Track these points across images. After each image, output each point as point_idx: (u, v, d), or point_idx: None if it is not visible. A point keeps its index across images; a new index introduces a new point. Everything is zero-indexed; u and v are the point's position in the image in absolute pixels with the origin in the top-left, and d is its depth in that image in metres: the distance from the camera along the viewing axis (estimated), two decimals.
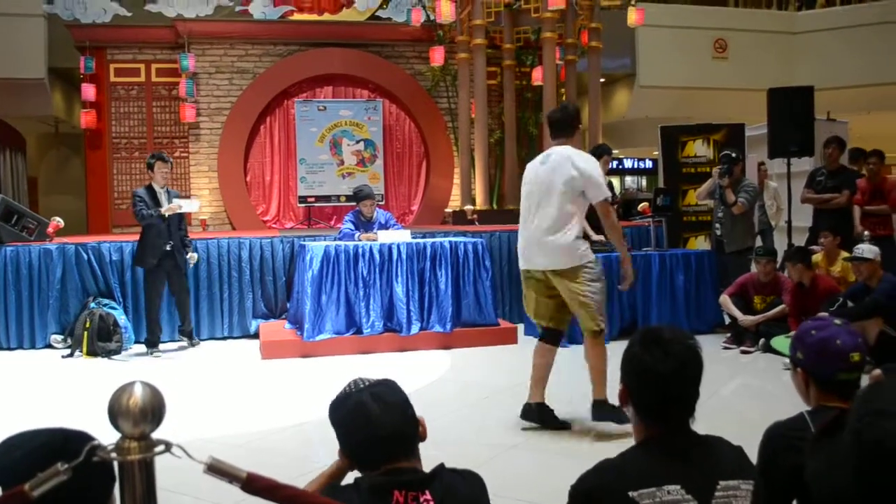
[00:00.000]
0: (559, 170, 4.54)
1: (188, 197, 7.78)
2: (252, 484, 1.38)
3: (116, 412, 1.34)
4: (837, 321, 2.11)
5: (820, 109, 8.61)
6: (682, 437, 1.82)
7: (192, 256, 7.55)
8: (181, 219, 7.52)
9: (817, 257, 7.23)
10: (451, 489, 1.76)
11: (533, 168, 4.76)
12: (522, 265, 4.78)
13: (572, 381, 6.05)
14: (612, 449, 1.91)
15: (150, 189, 7.37)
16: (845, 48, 13.40)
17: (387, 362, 6.65)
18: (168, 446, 1.38)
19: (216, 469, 1.38)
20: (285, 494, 1.40)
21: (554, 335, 4.78)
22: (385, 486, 1.72)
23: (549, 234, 4.55)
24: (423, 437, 1.88)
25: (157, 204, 7.27)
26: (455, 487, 1.77)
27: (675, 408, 1.81)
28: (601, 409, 4.58)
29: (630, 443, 1.90)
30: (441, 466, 1.81)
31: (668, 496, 1.68)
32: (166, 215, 7.25)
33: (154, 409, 1.36)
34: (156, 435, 1.37)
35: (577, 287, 4.52)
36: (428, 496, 1.72)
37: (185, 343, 7.63)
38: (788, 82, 9.05)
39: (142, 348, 7.56)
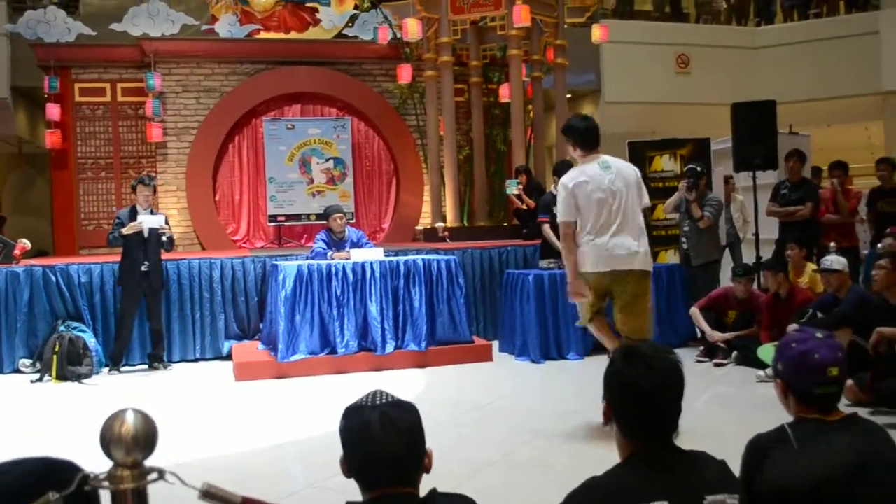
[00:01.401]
0: (629, 179, 4.87)
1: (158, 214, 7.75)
2: None
3: (109, 440, 1.33)
4: (819, 334, 2.13)
5: (781, 123, 8.77)
6: (666, 453, 1.83)
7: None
8: (159, 240, 7.47)
9: None
10: None
11: (597, 175, 4.81)
12: (605, 267, 4.81)
13: (558, 395, 6.10)
14: (591, 463, 1.92)
15: (132, 210, 7.46)
16: (804, 62, 13.67)
17: (362, 382, 6.62)
18: (161, 474, 1.37)
19: (211, 495, 1.37)
20: None
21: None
22: None
23: (639, 240, 4.87)
24: (427, 469, 1.82)
25: None
26: None
27: (660, 423, 1.82)
28: None
29: (612, 455, 1.91)
30: (434, 491, 1.78)
31: None
32: (131, 233, 7.28)
33: (147, 437, 1.35)
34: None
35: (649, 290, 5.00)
36: None
37: (156, 366, 7.54)
38: (750, 96, 9.18)
39: (113, 372, 7.47)
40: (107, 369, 7.47)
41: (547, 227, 8.03)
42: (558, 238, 7.77)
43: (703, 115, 12.88)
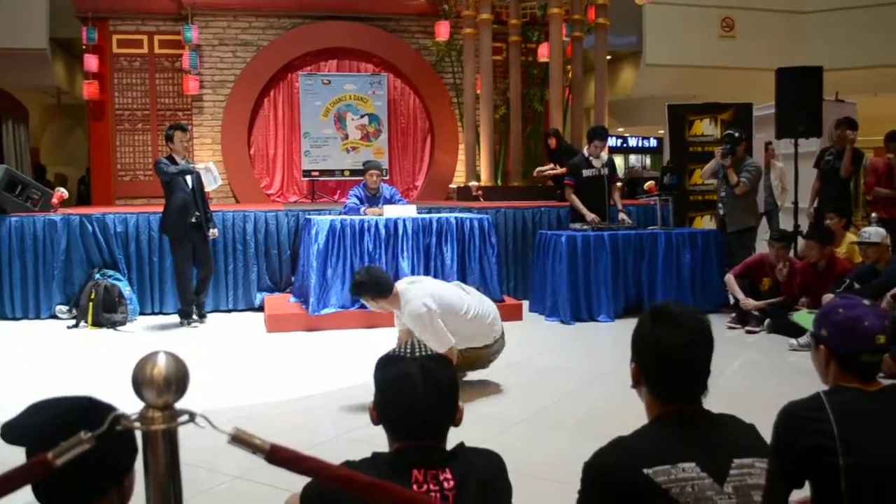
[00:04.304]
0: None
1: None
2: (276, 455, 1.37)
3: (141, 381, 1.33)
4: (866, 301, 2.09)
5: (827, 90, 8.55)
6: (696, 415, 1.80)
7: (212, 232, 7.46)
8: (204, 193, 7.46)
9: None
10: (471, 468, 1.72)
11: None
12: None
13: (587, 356, 6.09)
14: (619, 424, 1.90)
15: (171, 158, 7.26)
16: (854, 28, 13.31)
17: (392, 337, 6.63)
18: (192, 416, 1.37)
19: (240, 440, 1.37)
20: (308, 466, 1.39)
21: None
22: (404, 464, 1.69)
23: None
24: (457, 423, 1.81)
25: None
26: (475, 467, 1.73)
27: (689, 381, 1.80)
28: None
29: (641, 417, 1.88)
30: (461, 445, 1.78)
31: (683, 474, 1.67)
32: (194, 168, 7.29)
33: (178, 379, 1.35)
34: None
35: None
36: (448, 475, 1.68)
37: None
38: (795, 62, 8.95)
39: (147, 320, 7.58)
40: (149, 319, 7.56)
41: (570, 191, 7.99)
42: (584, 204, 7.82)
43: (746, 80, 12.63)
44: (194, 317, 7.43)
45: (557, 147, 9.84)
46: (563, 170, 9.40)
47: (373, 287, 4.58)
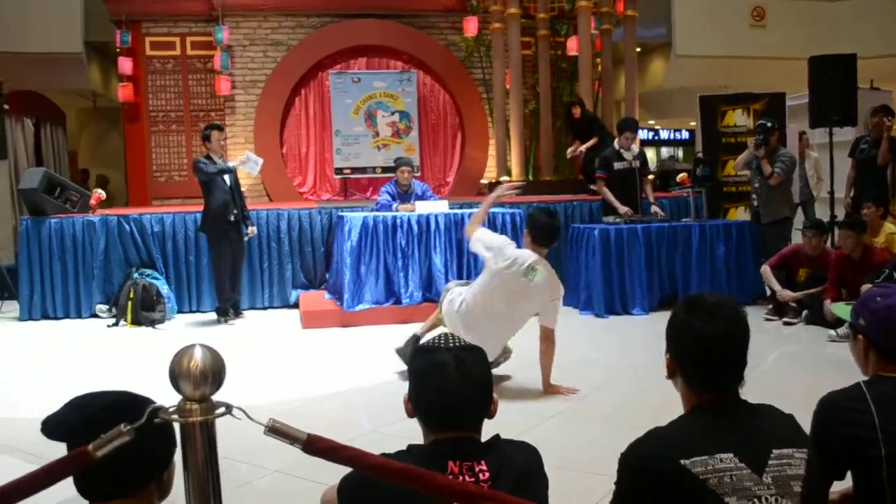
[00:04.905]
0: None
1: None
2: (313, 445, 1.40)
3: (178, 374, 1.36)
4: None
5: (862, 78, 8.40)
6: (733, 405, 1.78)
7: (251, 230, 7.56)
8: (241, 191, 7.57)
9: None
10: (507, 460, 1.72)
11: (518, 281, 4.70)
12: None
13: (622, 349, 6.06)
14: (655, 416, 1.89)
15: (209, 158, 7.34)
16: (887, 15, 13.04)
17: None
18: (229, 408, 1.40)
19: (277, 431, 1.39)
20: (346, 455, 1.41)
21: None
22: (440, 456, 1.69)
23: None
24: (491, 416, 1.81)
25: None
26: (511, 459, 1.73)
27: (724, 371, 1.78)
28: None
29: (677, 408, 1.87)
30: (497, 437, 1.78)
31: (721, 464, 1.64)
32: (234, 166, 7.42)
33: (215, 372, 1.38)
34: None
35: None
36: (484, 466, 1.68)
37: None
38: (828, 50, 8.78)
39: (184, 318, 7.69)
40: (187, 317, 7.68)
41: (602, 184, 7.95)
42: (616, 197, 7.78)
43: (778, 69, 12.45)
44: (231, 314, 7.50)
45: (582, 116, 9.77)
46: (594, 140, 9.35)
47: (531, 228, 4.79)
